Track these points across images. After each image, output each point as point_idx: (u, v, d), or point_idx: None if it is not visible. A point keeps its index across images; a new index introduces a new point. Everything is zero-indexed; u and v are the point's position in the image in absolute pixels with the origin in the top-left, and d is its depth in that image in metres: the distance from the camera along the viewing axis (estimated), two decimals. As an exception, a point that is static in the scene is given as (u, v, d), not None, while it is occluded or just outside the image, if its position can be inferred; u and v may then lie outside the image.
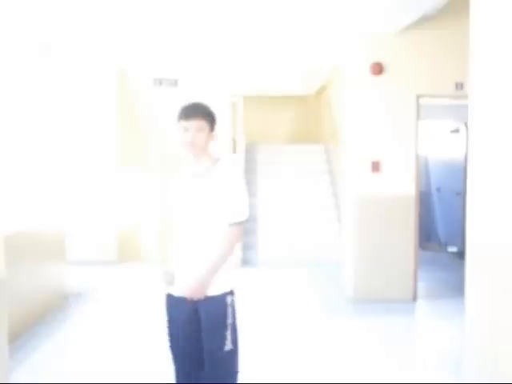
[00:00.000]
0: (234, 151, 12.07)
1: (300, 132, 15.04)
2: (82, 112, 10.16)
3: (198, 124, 3.48)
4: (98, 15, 7.27)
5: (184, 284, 3.53)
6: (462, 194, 9.09)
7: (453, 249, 10.49)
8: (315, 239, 10.67)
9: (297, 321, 6.89)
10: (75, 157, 10.25)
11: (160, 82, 10.79)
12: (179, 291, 3.58)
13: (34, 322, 6.52)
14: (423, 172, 10.88)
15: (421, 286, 7.97)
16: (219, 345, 3.54)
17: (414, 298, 7.61)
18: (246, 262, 10.18)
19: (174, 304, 3.62)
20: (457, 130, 10.51)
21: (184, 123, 3.48)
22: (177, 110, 3.59)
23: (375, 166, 7.42)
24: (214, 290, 3.55)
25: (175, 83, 10.78)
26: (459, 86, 7.35)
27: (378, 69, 7.32)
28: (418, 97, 7.48)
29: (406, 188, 7.49)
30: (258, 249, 10.56)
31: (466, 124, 6.82)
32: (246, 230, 10.81)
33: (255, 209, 11.29)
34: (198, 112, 3.52)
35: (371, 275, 7.52)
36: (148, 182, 11.53)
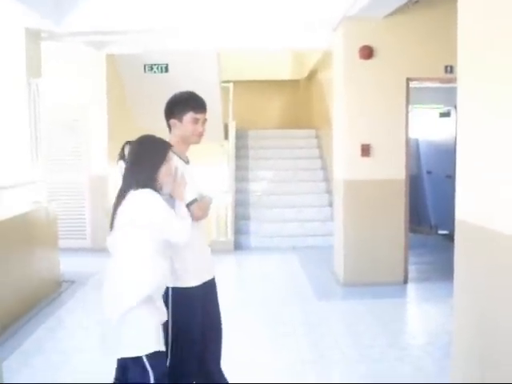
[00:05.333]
0: (226, 137, 12.06)
1: (291, 117, 15.02)
2: (71, 98, 10.13)
3: (205, 116, 3.63)
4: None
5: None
6: (452, 177, 9.11)
7: (443, 231, 10.54)
8: (307, 224, 10.70)
9: (288, 304, 6.92)
10: (69, 142, 10.26)
11: (151, 67, 10.75)
12: (201, 278, 3.62)
13: (26, 309, 6.52)
14: (414, 155, 10.89)
15: (412, 269, 8.02)
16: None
17: (405, 281, 7.66)
18: (238, 246, 10.21)
19: (196, 292, 3.58)
20: (447, 113, 10.52)
21: (194, 115, 3.57)
22: (171, 97, 3.66)
23: (365, 150, 7.42)
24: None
25: (166, 69, 10.74)
26: (449, 68, 7.35)
27: (368, 52, 7.30)
28: (408, 80, 7.49)
29: (396, 171, 7.51)
30: (251, 233, 10.58)
31: (456, 107, 6.85)
32: (238, 214, 10.84)
33: (247, 194, 11.31)
34: (205, 105, 3.65)
35: (362, 259, 7.55)
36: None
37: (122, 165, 8.69)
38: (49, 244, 7.59)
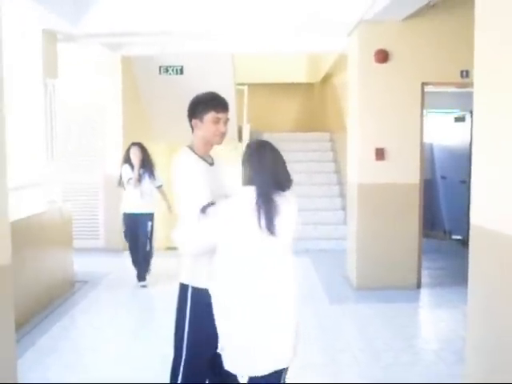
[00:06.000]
0: (240, 139, 12.08)
1: (305, 120, 15.01)
2: (87, 99, 10.19)
3: (226, 116, 3.60)
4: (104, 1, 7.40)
5: None
6: (466, 182, 9.08)
7: (457, 237, 10.50)
8: (320, 227, 10.69)
9: (300, 307, 6.90)
10: (84, 143, 10.32)
11: (166, 69, 10.79)
12: None
13: (40, 308, 6.58)
14: (428, 160, 10.87)
15: (425, 273, 7.99)
16: None
17: (418, 286, 7.63)
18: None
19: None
20: (462, 118, 10.49)
21: (215, 115, 3.54)
22: (193, 98, 3.62)
23: (379, 154, 7.41)
24: None
25: (181, 71, 10.78)
26: (465, 73, 7.32)
27: (383, 56, 7.29)
28: (423, 84, 7.47)
29: (411, 176, 7.49)
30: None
31: (471, 112, 6.85)
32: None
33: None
34: (227, 105, 3.62)
35: (375, 263, 7.53)
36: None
37: (126, 169, 7.89)
38: (63, 244, 7.63)
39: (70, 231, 7.95)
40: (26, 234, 6.37)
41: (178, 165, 3.53)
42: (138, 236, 7.97)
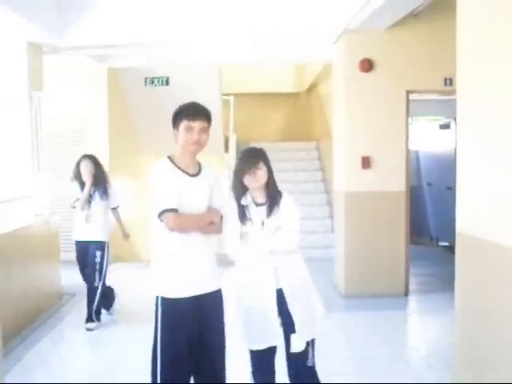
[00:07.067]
0: (226, 150, 12.07)
1: (292, 129, 15.04)
2: (73, 111, 10.16)
3: (202, 125, 3.54)
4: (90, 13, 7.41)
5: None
6: (452, 189, 9.12)
7: (444, 243, 10.54)
8: (308, 236, 10.69)
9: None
10: (71, 155, 10.26)
11: (152, 80, 10.78)
12: (193, 290, 3.52)
13: (28, 322, 6.52)
14: (414, 167, 10.92)
15: (413, 280, 8.01)
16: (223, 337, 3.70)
17: (406, 293, 7.65)
18: (239, 259, 10.17)
19: (186, 305, 3.50)
20: (447, 125, 10.55)
21: (187, 123, 3.51)
22: (175, 109, 3.62)
23: (365, 162, 7.45)
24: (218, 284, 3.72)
25: (167, 82, 10.77)
26: (448, 81, 7.39)
27: (368, 65, 7.34)
28: (408, 92, 7.52)
29: (397, 183, 7.53)
30: (251, 246, 10.54)
31: (455, 119, 6.86)
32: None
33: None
34: (202, 113, 3.57)
35: (363, 271, 7.55)
36: (140, 181, 11.43)
37: (75, 187, 6.74)
38: (50, 257, 7.60)
39: (57, 244, 7.91)
40: (13, 248, 6.33)
41: (152, 173, 3.54)
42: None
